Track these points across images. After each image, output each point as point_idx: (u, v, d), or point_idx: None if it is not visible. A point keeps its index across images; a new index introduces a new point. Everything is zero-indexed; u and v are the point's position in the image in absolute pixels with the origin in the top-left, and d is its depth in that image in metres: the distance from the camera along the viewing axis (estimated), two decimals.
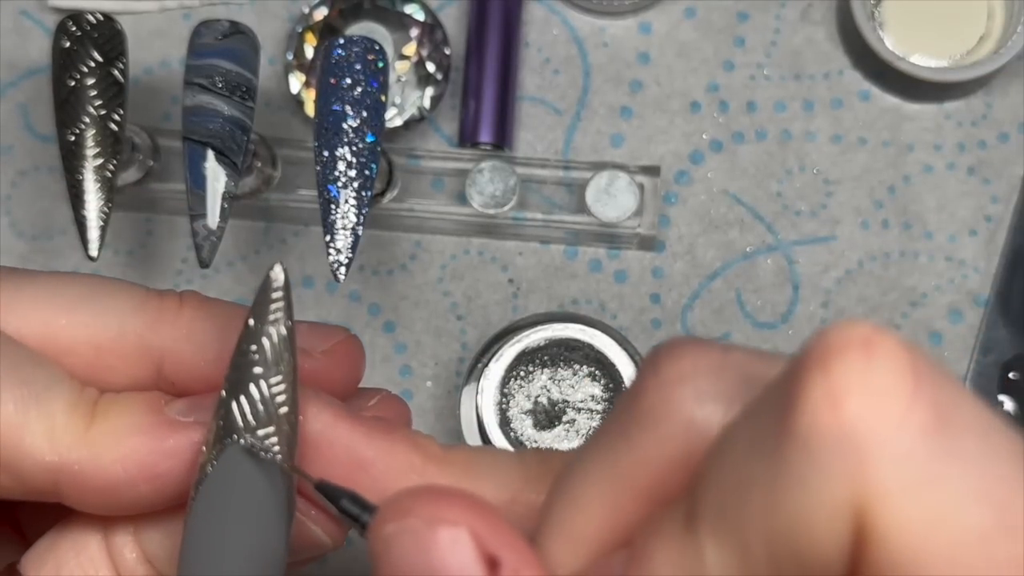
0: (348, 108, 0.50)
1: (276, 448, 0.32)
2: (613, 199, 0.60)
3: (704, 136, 0.64)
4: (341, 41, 0.51)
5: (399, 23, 0.64)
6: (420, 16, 0.64)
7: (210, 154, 0.50)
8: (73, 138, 0.50)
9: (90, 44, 0.50)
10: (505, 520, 0.27)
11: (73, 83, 0.50)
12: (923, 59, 0.63)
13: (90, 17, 0.51)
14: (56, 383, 0.34)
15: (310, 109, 0.63)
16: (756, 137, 0.64)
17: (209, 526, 0.32)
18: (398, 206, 0.62)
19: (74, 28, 0.50)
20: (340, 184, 0.50)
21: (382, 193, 0.59)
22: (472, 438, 0.57)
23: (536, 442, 0.57)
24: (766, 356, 0.27)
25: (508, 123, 0.63)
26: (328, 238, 0.49)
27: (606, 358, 0.57)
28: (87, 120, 0.50)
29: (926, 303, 0.63)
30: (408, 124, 0.63)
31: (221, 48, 0.52)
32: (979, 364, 0.62)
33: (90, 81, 0.50)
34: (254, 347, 0.32)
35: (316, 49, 0.64)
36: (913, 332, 0.63)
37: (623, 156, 0.64)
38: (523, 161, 0.62)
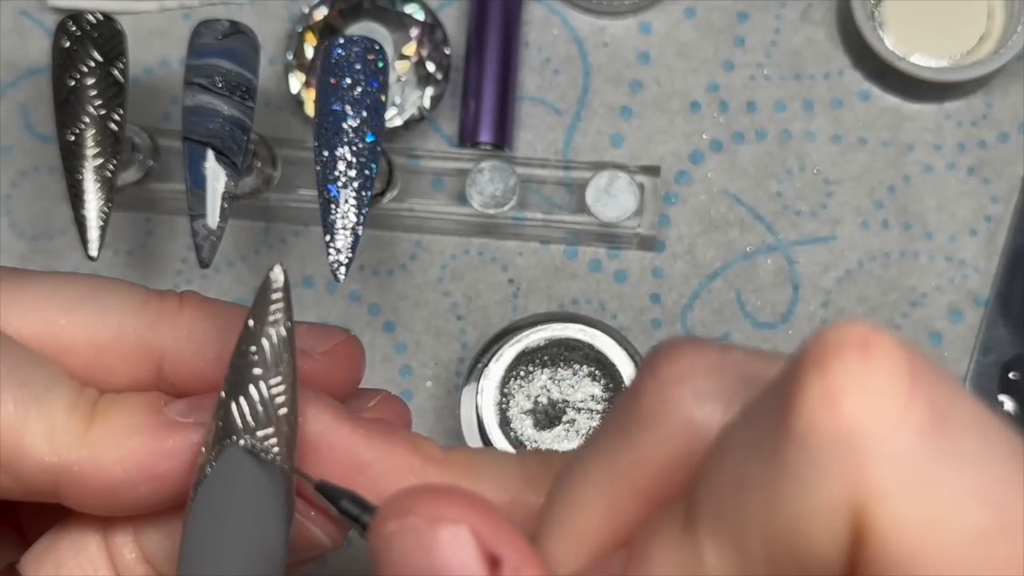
0: (348, 108, 0.50)
1: (275, 449, 0.32)
2: (613, 199, 0.60)
3: (704, 136, 0.64)
4: (341, 41, 0.51)
5: (399, 23, 0.64)
6: (420, 16, 0.64)
7: (210, 154, 0.50)
8: (73, 138, 0.50)
9: (90, 44, 0.50)
10: (506, 519, 0.27)
11: (73, 83, 0.50)
12: (923, 59, 0.63)
13: (90, 17, 0.51)
14: (56, 383, 0.34)
15: (310, 109, 0.63)
16: (756, 137, 0.64)
17: (208, 527, 0.32)
18: (398, 206, 0.62)
19: (74, 28, 0.50)
20: (340, 184, 0.50)
21: (382, 193, 0.59)
22: (472, 438, 0.57)
23: (536, 442, 0.57)
24: (765, 356, 0.27)
25: (508, 123, 0.63)
26: (328, 238, 0.49)
27: (606, 358, 0.57)
28: (87, 120, 0.50)
29: (926, 303, 0.63)
30: (408, 124, 0.63)
31: (221, 48, 0.52)
32: (979, 364, 0.62)
33: (90, 81, 0.50)
34: (253, 348, 0.32)
35: (316, 49, 0.64)
36: (913, 332, 0.63)
37: (623, 156, 0.64)
38: (523, 161, 0.62)
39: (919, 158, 0.64)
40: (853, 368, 0.23)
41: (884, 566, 0.23)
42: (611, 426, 0.28)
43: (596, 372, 0.57)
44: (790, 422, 0.23)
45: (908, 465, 0.22)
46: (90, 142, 0.50)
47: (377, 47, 0.51)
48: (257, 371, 0.32)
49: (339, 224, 0.49)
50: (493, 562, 0.26)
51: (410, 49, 0.64)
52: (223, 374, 0.33)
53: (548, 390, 0.57)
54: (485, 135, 0.63)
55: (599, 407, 0.57)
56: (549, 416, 0.57)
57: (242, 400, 0.32)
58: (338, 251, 0.49)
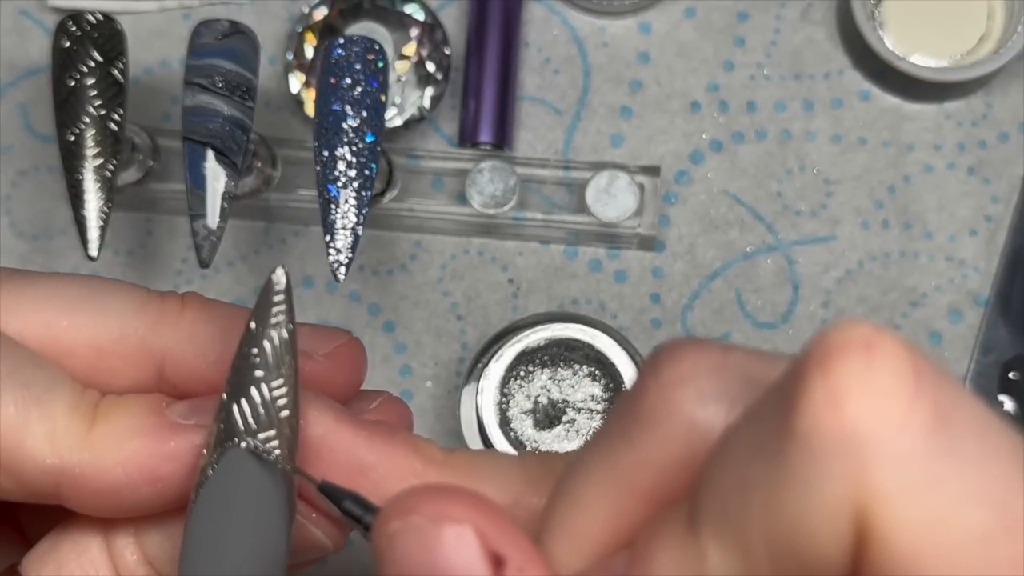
0: (348, 108, 0.50)
1: (277, 451, 0.32)
2: (613, 199, 0.60)
3: (704, 136, 0.64)
4: (341, 41, 0.51)
5: (399, 23, 0.64)
6: (420, 16, 0.64)
7: (210, 154, 0.50)
8: (73, 138, 0.50)
9: (90, 44, 0.50)
10: (510, 519, 0.27)
11: (73, 83, 0.50)
12: (923, 59, 0.63)
13: (90, 17, 0.51)
14: (57, 385, 0.34)
15: (310, 109, 0.63)
16: (756, 137, 0.64)
17: (210, 529, 0.32)
18: (398, 206, 0.62)
19: (74, 28, 0.50)
20: (340, 184, 0.50)
21: (382, 193, 0.59)
22: (472, 438, 0.57)
23: (536, 442, 0.57)
24: (767, 356, 0.27)
25: (508, 123, 0.63)
26: (328, 238, 0.49)
27: (606, 358, 0.57)
28: (87, 120, 0.50)
29: (926, 303, 0.63)
30: (408, 124, 0.63)
31: (221, 48, 0.52)
32: (979, 364, 0.62)
33: (90, 81, 0.50)
34: (255, 350, 0.32)
35: (316, 49, 0.64)
36: (913, 332, 0.63)
37: (623, 156, 0.64)
38: (523, 161, 0.62)
39: (919, 158, 0.64)
40: (856, 369, 0.23)
41: (887, 567, 0.23)
42: (613, 427, 0.28)
43: (596, 372, 0.57)
44: (793, 423, 0.23)
45: (911, 466, 0.22)
46: (90, 142, 0.50)
47: (377, 47, 0.51)
48: (259, 373, 0.32)
49: (339, 224, 0.49)
50: (497, 562, 0.26)
51: (410, 49, 0.64)
52: (225, 376, 0.33)
53: (548, 390, 0.57)
54: (485, 135, 0.63)
55: (599, 407, 0.57)
56: (549, 416, 0.57)
57: (244, 402, 0.32)
58: (338, 251, 0.49)
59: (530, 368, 0.57)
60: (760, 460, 0.24)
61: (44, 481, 0.33)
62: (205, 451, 0.33)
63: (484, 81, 0.63)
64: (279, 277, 0.33)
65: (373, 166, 0.50)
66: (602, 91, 0.65)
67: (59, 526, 0.36)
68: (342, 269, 0.49)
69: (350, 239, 0.49)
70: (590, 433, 0.57)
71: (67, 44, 0.50)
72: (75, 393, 0.34)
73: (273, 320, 0.33)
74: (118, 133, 0.50)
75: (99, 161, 0.50)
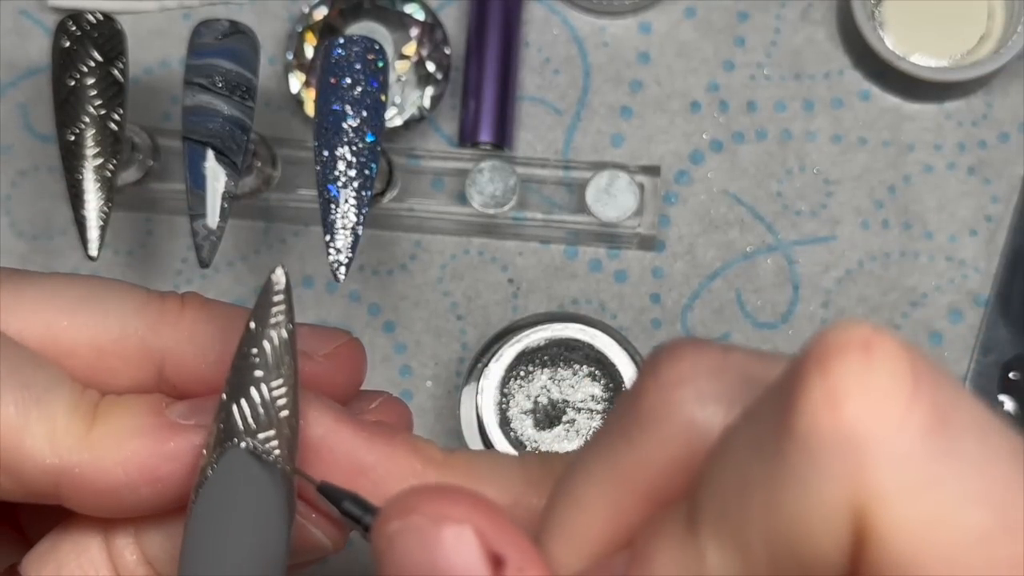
0: (348, 108, 0.50)
1: (276, 452, 0.32)
2: (613, 199, 0.60)
3: (704, 136, 0.64)
4: (341, 41, 0.51)
5: (399, 23, 0.64)
6: (420, 16, 0.64)
7: (210, 154, 0.50)
8: (73, 138, 0.50)
9: (90, 44, 0.50)
10: (509, 519, 0.27)
11: (73, 83, 0.50)
12: (923, 59, 0.63)
13: (90, 17, 0.51)
14: (57, 385, 0.34)
15: (310, 109, 0.63)
16: (756, 137, 0.64)
17: (209, 529, 0.32)
18: (398, 206, 0.62)
19: (74, 28, 0.50)
20: (340, 184, 0.50)
21: (382, 193, 0.59)
22: (472, 438, 0.57)
23: (536, 442, 0.57)
24: (766, 357, 0.27)
25: (508, 123, 0.63)
26: (328, 238, 0.49)
27: (606, 358, 0.57)
28: (87, 120, 0.50)
29: (926, 303, 0.63)
30: (408, 124, 0.63)
31: (221, 48, 0.52)
32: (979, 364, 0.62)
33: (90, 81, 0.50)
34: (255, 350, 0.32)
35: (316, 49, 0.64)
36: (913, 332, 0.63)
37: (623, 156, 0.64)
38: (523, 161, 0.62)
39: (919, 158, 0.64)
40: (855, 369, 0.23)
41: (886, 567, 0.23)
42: (612, 427, 0.28)
43: (596, 372, 0.57)
44: (792, 423, 0.23)
45: (910, 466, 0.23)
46: (90, 142, 0.50)
47: (377, 47, 0.51)
48: (258, 373, 0.32)
49: (339, 224, 0.49)
50: (496, 562, 0.26)
51: (410, 49, 0.64)
52: (224, 376, 0.33)
53: (548, 390, 0.57)
54: (485, 135, 0.63)
55: (599, 407, 0.57)
56: (549, 416, 0.57)
57: (243, 402, 0.32)
58: (338, 251, 0.49)
59: (530, 368, 0.57)
60: (759, 460, 0.24)
61: (44, 481, 0.33)
62: (205, 451, 0.33)
63: (484, 81, 0.63)
64: (279, 277, 0.33)
65: (373, 166, 0.50)
66: (602, 91, 0.65)
67: (59, 526, 0.36)
68: (342, 269, 0.49)
69: (350, 239, 0.49)
70: (590, 433, 0.57)
71: (67, 44, 0.50)
72: (75, 393, 0.34)
73: (273, 320, 0.33)
74: (118, 133, 0.50)
75: (99, 161, 0.50)
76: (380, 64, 0.51)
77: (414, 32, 0.64)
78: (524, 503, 0.34)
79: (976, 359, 0.62)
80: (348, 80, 0.51)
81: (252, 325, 0.33)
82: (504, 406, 0.57)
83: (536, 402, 0.57)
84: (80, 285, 0.36)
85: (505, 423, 0.57)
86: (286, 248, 0.64)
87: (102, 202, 0.50)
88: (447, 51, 0.64)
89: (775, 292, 0.63)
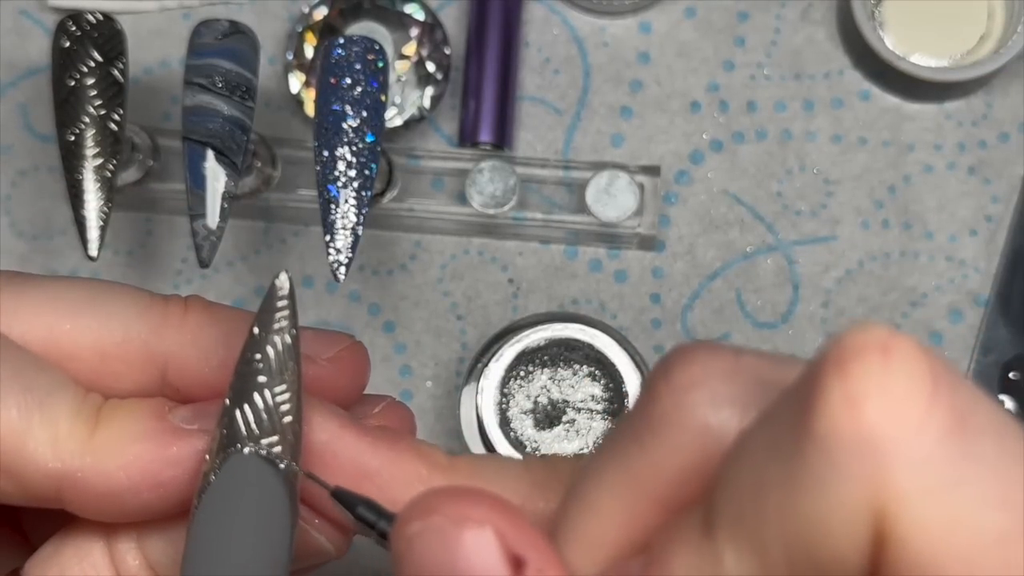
0: (348, 108, 0.50)
1: (286, 457, 0.32)
2: (613, 199, 0.60)
3: (704, 136, 0.64)
4: (341, 41, 0.51)
5: (399, 23, 0.64)
6: (420, 16, 0.64)
7: (210, 154, 0.50)
8: (73, 138, 0.50)
9: (90, 44, 0.50)
10: (529, 521, 0.27)
11: (73, 83, 0.50)
12: (923, 59, 0.63)
13: (90, 17, 0.51)
14: (60, 389, 0.34)
15: (310, 109, 0.63)
16: (756, 137, 0.64)
17: (212, 534, 0.32)
18: (398, 206, 0.62)
19: (74, 28, 0.50)
20: (340, 184, 0.50)
21: (382, 193, 0.59)
22: (472, 438, 0.57)
23: (536, 442, 0.57)
24: (778, 359, 0.27)
25: (508, 123, 0.63)
26: (328, 238, 0.49)
27: (606, 358, 0.57)
28: (87, 120, 0.50)
29: (926, 303, 0.63)
30: (408, 124, 0.63)
31: (221, 48, 0.52)
32: (979, 364, 0.62)
33: (90, 81, 0.50)
34: (258, 356, 0.32)
35: (316, 49, 0.63)
36: (913, 332, 0.63)
37: (623, 156, 0.64)
38: (523, 161, 0.62)
39: (919, 158, 0.64)
40: (874, 372, 0.23)
41: (905, 568, 0.23)
42: (625, 432, 0.28)
43: (596, 372, 0.57)
44: (811, 425, 0.23)
45: (930, 469, 0.23)
46: (90, 142, 0.50)
47: (377, 47, 0.51)
48: (262, 379, 0.32)
49: (339, 224, 0.49)
50: (516, 563, 0.26)
51: (410, 49, 0.64)
52: (228, 380, 0.33)
53: (548, 390, 0.57)
54: (485, 135, 0.63)
55: (599, 407, 0.57)
56: (549, 416, 0.57)
57: (247, 408, 0.32)
58: (338, 251, 0.49)
59: (530, 368, 0.57)
60: (777, 462, 0.24)
61: (46, 485, 0.33)
62: (208, 456, 0.33)
63: (484, 81, 0.63)
64: (283, 282, 0.33)
65: (373, 166, 0.50)
66: (602, 91, 0.64)
67: (62, 530, 0.36)
68: (342, 269, 0.49)
69: (350, 239, 0.49)
70: (590, 433, 0.57)
71: (67, 44, 0.50)
72: (78, 397, 0.34)
73: (276, 326, 0.33)
74: (118, 133, 0.50)
75: (99, 161, 0.50)
76: (380, 64, 0.51)
77: (414, 32, 0.64)
78: (530, 507, 0.33)
79: (976, 359, 0.62)
80: (348, 80, 0.51)
81: (256, 330, 0.33)
82: (504, 406, 0.57)
83: (536, 402, 0.57)
84: (83, 288, 0.36)
85: (505, 423, 0.57)
86: (286, 248, 0.64)
87: (102, 202, 0.49)
88: (447, 51, 0.64)
89: (775, 292, 0.63)
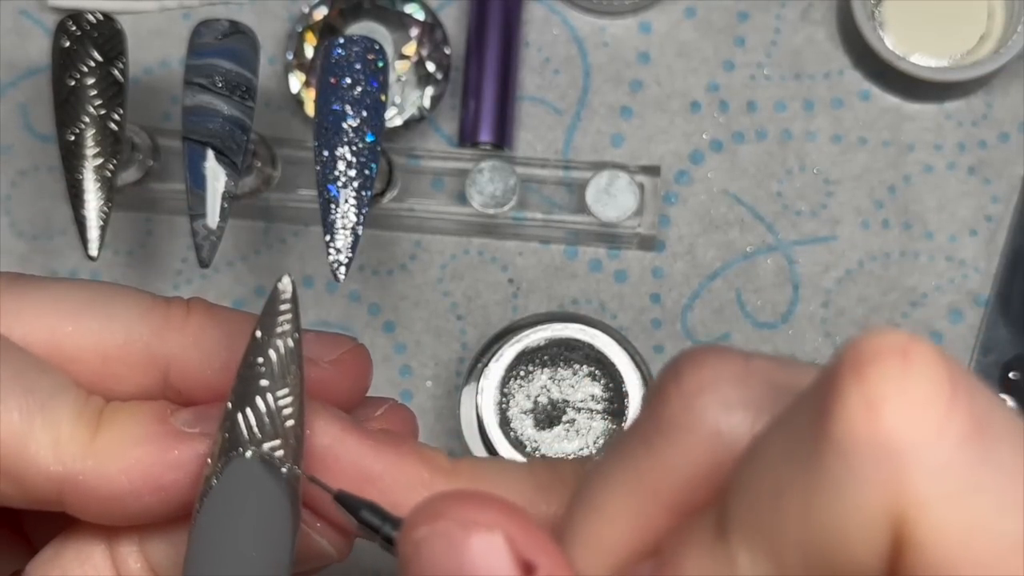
0: (348, 108, 0.50)
1: (287, 461, 0.32)
2: (613, 199, 0.60)
3: (704, 136, 0.64)
4: (341, 41, 0.51)
5: (399, 23, 0.64)
6: (420, 16, 0.64)
7: (210, 154, 0.50)
8: (73, 138, 0.50)
9: (90, 44, 0.50)
10: (538, 525, 0.27)
11: (73, 83, 0.50)
12: (923, 59, 0.63)
13: (90, 17, 0.51)
14: (61, 391, 0.34)
15: (310, 109, 0.63)
16: (756, 137, 0.64)
17: (214, 538, 0.32)
18: (398, 206, 0.62)
19: (74, 28, 0.50)
20: (340, 184, 0.50)
21: (382, 193, 0.59)
22: (472, 438, 0.57)
23: (536, 442, 0.57)
24: (789, 363, 0.27)
25: (508, 123, 0.63)
26: (328, 238, 0.49)
27: (606, 358, 0.57)
28: (87, 120, 0.50)
29: (926, 303, 0.63)
30: (408, 124, 0.63)
31: (221, 48, 0.52)
32: (979, 364, 0.62)
33: (90, 81, 0.50)
34: (261, 359, 0.32)
35: (316, 49, 0.63)
36: (913, 332, 0.62)
37: (623, 156, 0.64)
38: (523, 161, 0.62)
39: (919, 158, 0.64)
40: (893, 375, 0.23)
41: (923, 573, 0.23)
42: (634, 435, 0.28)
43: (596, 372, 0.57)
44: (828, 429, 0.23)
45: (949, 474, 0.23)
46: (90, 142, 0.50)
47: (377, 47, 0.51)
48: (264, 383, 0.32)
49: (339, 224, 0.49)
50: (526, 568, 0.26)
51: (410, 49, 0.64)
52: (230, 383, 0.33)
53: (548, 390, 0.57)
54: (485, 135, 0.63)
55: (599, 407, 0.57)
56: (549, 416, 0.57)
57: (249, 411, 0.32)
58: (338, 251, 0.49)
59: (530, 368, 0.57)
60: (793, 466, 0.24)
61: (47, 488, 0.33)
62: (210, 460, 0.32)
63: (484, 81, 0.63)
64: (285, 286, 0.33)
65: (373, 166, 0.50)
66: (602, 91, 0.64)
67: (63, 533, 0.36)
68: (342, 269, 0.49)
69: (350, 239, 0.49)
70: (590, 433, 0.57)
71: (67, 44, 0.50)
72: (79, 399, 0.34)
73: (279, 329, 0.32)
74: (118, 133, 0.50)
75: (99, 161, 0.50)
76: (380, 64, 0.51)
77: (414, 32, 0.64)
78: (533, 510, 0.33)
79: (976, 359, 0.62)
80: (348, 80, 0.51)
81: (258, 334, 0.33)
82: (504, 406, 0.57)
83: (536, 402, 0.57)
84: (85, 290, 0.36)
85: (505, 423, 0.57)
86: (286, 248, 0.64)
87: (102, 202, 0.49)
88: (447, 51, 0.64)
89: (775, 292, 0.63)
